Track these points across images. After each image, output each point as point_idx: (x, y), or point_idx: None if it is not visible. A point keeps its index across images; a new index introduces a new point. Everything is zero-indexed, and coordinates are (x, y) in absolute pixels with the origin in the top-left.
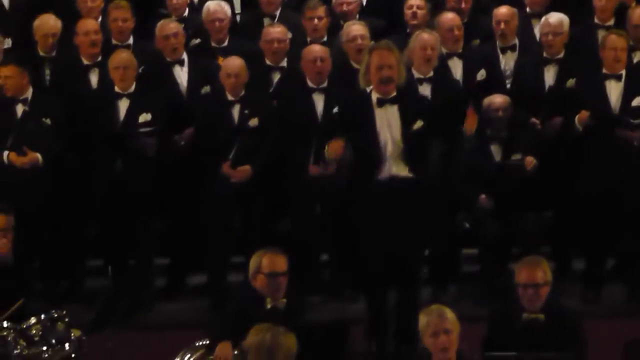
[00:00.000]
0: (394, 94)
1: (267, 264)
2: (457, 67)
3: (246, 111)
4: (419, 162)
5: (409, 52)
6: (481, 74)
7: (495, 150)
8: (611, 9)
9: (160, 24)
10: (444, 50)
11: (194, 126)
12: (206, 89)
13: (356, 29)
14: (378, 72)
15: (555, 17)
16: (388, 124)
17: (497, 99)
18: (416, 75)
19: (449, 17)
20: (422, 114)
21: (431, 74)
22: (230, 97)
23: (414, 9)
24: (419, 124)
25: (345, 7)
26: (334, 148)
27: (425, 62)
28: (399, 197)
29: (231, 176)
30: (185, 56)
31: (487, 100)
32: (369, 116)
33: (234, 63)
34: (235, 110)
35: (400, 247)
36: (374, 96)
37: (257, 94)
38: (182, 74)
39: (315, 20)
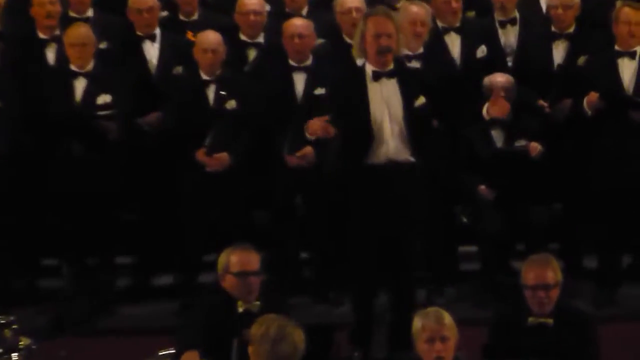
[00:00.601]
0: (392, 66)
1: (236, 262)
2: (454, 43)
3: (222, 92)
4: (422, 144)
5: None
6: (482, 51)
7: (497, 136)
8: None
9: None
10: (440, 24)
11: (165, 109)
12: (178, 69)
13: (351, 0)
14: (375, 41)
15: None
16: (385, 100)
17: (499, 78)
18: (404, 51)
19: None
20: (424, 89)
21: (421, 50)
22: (204, 77)
23: None
24: (421, 100)
25: None
26: (315, 126)
27: (415, 37)
28: (397, 184)
29: (206, 164)
30: (157, 31)
31: (487, 80)
32: (362, 92)
33: (210, 37)
34: (211, 91)
35: (396, 241)
36: (369, 69)
37: (234, 73)
38: (152, 51)
39: None
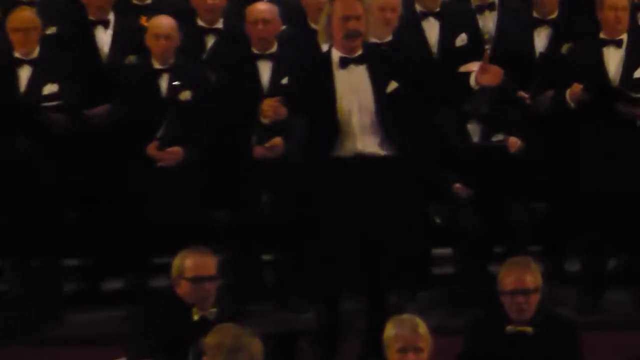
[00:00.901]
0: (360, 51)
1: (191, 266)
2: (432, 29)
3: (176, 82)
4: (394, 135)
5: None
6: (462, 39)
7: (473, 129)
8: None
9: None
10: (418, 9)
11: (115, 99)
12: (131, 58)
13: None
14: (343, 25)
15: None
16: (353, 88)
17: (475, 67)
18: (372, 39)
19: None
20: (397, 75)
21: (389, 38)
22: (157, 65)
23: None
24: (393, 85)
25: None
26: (266, 107)
27: (384, 24)
28: (366, 179)
29: (159, 159)
30: (111, 16)
31: (463, 69)
32: (328, 80)
33: (163, 22)
34: (164, 81)
35: (369, 242)
36: (336, 55)
37: (189, 61)
38: (104, 37)
39: None
